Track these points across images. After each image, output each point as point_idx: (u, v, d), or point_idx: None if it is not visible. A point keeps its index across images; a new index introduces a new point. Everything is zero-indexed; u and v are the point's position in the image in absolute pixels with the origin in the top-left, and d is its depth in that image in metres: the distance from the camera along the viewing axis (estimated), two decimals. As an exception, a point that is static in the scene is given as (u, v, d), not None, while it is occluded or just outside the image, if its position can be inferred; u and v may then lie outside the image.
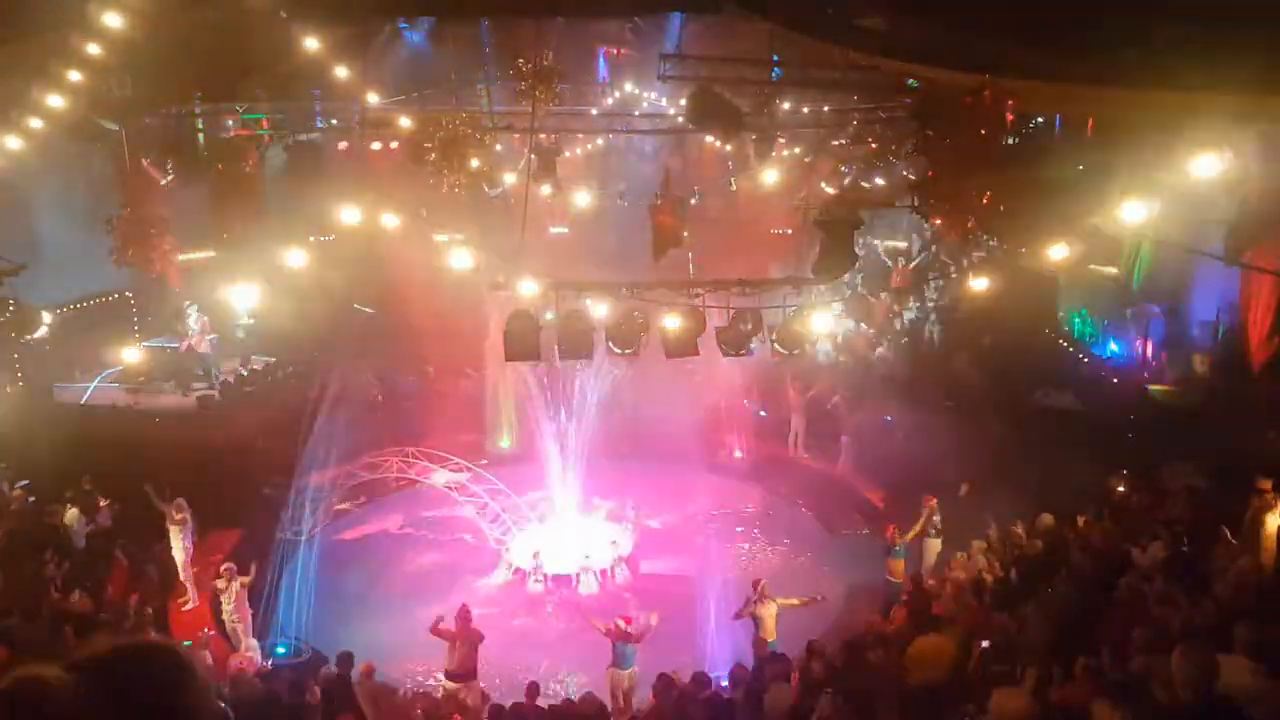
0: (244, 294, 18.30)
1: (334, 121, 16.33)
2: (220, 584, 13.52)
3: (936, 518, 15.16)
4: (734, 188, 24.39)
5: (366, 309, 23.54)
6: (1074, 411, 17.18)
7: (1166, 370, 16.87)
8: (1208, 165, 9.70)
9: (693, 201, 17.29)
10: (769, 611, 13.01)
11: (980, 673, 9.60)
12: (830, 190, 19.71)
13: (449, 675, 12.41)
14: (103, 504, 15.02)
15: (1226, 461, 12.51)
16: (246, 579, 13.57)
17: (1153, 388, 16.63)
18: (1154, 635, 8.14)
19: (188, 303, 17.96)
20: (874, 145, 17.55)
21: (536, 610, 15.95)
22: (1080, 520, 13.06)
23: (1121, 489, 13.70)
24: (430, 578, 16.62)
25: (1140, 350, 17.50)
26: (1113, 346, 18.59)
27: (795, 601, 13.36)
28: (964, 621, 11.24)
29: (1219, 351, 15.69)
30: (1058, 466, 14.68)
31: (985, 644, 10.10)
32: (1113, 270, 17.88)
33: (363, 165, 19.55)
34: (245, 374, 19.23)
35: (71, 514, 14.44)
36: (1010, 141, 10.69)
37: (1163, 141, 10.86)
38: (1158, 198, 10.60)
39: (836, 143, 18.12)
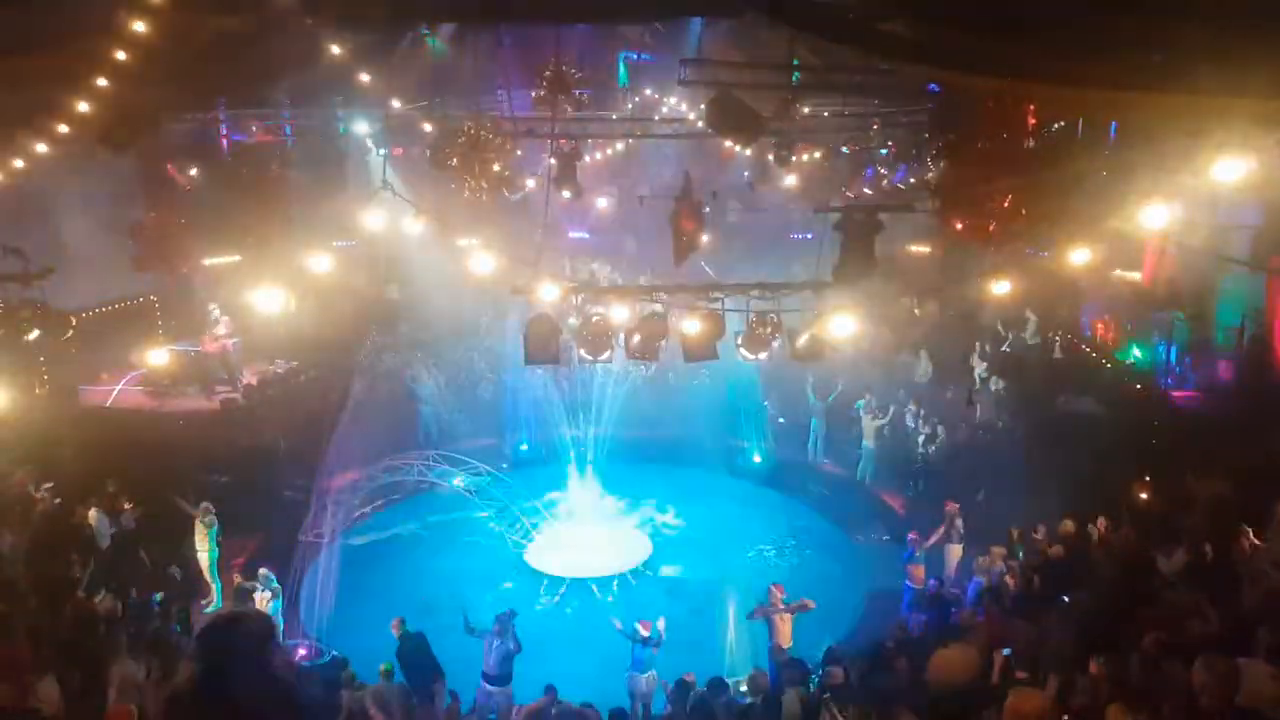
0: (268, 298, 18.44)
1: (361, 128, 16.40)
2: (250, 586, 13.62)
3: (958, 523, 15.12)
4: (754, 192, 24.39)
5: (393, 295, 23.57)
6: (1096, 417, 17.07)
7: (1190, 376, 16.74)
8: (1232, 170, 9.63)
9: (706, 210, 17.26)
10: (784, 617, 12.99)
11: (1002, 680, 9.54)
12: (850, 194, 19.68)
13: (488, 679, 12.44)
14: (127, 506, 15.15)
15: (1251, 468, 12.40)
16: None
17: (1176, 394, 16.51)
18: (1170, 641, 8.10)
19: (211, 305, 18.12)
20: (895, 149, 17.52)
21: (555, 613, 15.97)
22: (1102, 526, 12.98)
23: (1144, 495, 13.60)
24: (449, 581, 16.67)
25: (1164, 356, 17.37)
26: (1136, 352, 18.45)
27: (798, 605, 13.30)
28: (985, 628, 11.18)
29: (1244, 358, 15.56)
30: (1080, 472, 14.59)
31: (1007, 651, 10.05)
32: (1136, 275, 17.78)
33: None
34: (269, 377, 19.37)
35: (96, 515, 14.57)
36: (1031, 145, 10.64)
37: (1186, 145, 10.78)
38: (1181, 202, 10.51)
39: (857, 147, 18.08)
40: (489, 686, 12.37)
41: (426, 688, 11.84)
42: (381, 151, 18.16)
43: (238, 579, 14.06)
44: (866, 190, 19.21)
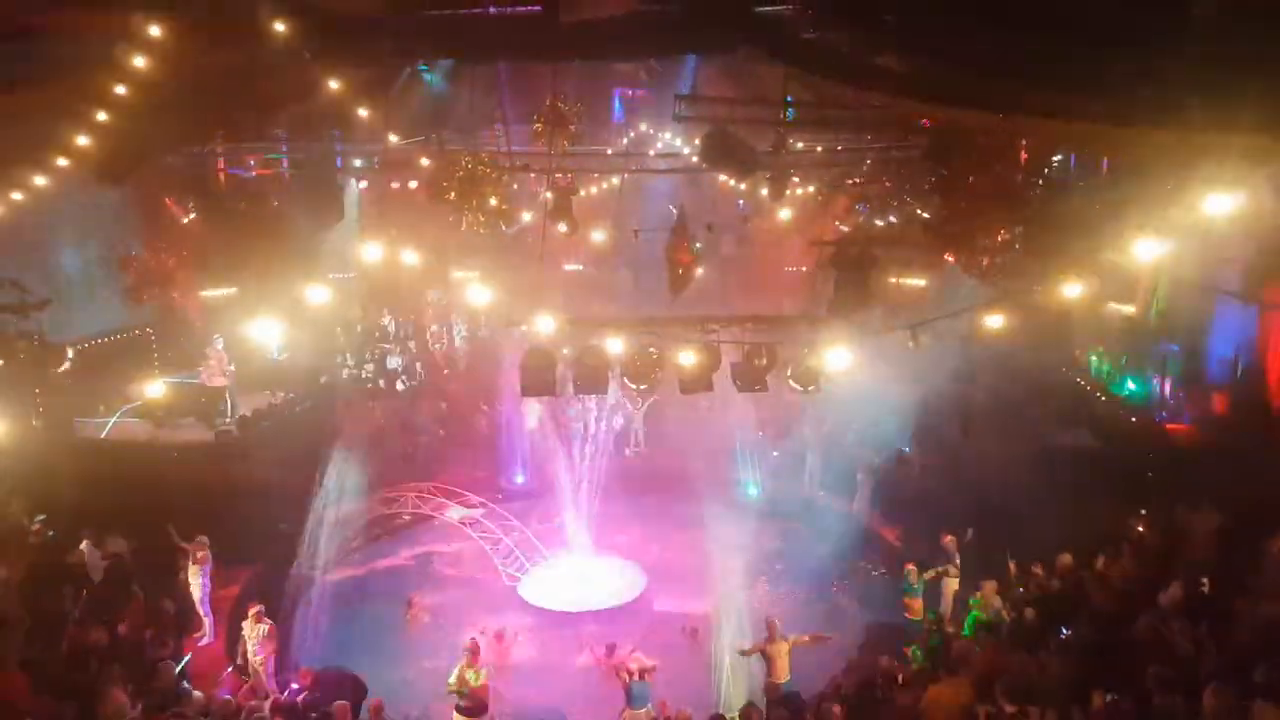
0: (266, 330, 18.57)
1: (356, 162, 16.53)
2: (246, 625, 13.53)
3: (955, 556, 15.08)
4: (749, 225, 24.55)
5: (386, 345, 23.74)
6: (1091, 450, 17.08)
7: (1184, 409, 16.78)
8: (1222, 204, 9.73)
9: (698, 246, 17.33)
10: (780, 651, 12.93)
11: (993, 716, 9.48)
12: (845, 228, 19.81)
13: (460, 711, 12.36)
14: (121, 541, 15.01)
15: (1246, 501, 12.40)
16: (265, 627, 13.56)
17: (1170, 427, 16.53)
18: (1170, 676, 8.07)
19: (216, 336, 18.21)
20: (889, 184, 17.64)
21: (551, 648, 15.87)
22: (1099, 560, 12.94)
23: (1140, 529, 13.58)
24: (444, 613, 16.59)
25: (1158, 389, 17.41)
26: (1130, 385, 18.50)
27: (805, 638, 13.28)
28: (981, 662, 11.13)
29: (1237, 390, 15.60)
30: (1075, 505, 14.57)
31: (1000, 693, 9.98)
32: (1130, 308, 17.85)
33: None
34: (264, 408, 19.36)
35: (88, 548, 14.47)
36: (1023, 180, 10.76)
37: (1177, 180, 10.88)
38: (1173, 236, 10.57)
39: (851, 181, 18.21)
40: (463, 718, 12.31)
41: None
42: (361, 184, 18.26)
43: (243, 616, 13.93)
44: (861, 224, 19.33)
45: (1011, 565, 13.93)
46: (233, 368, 18.32)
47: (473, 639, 12.91)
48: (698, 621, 15.39)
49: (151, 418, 18.04)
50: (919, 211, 17.10)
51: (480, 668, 12.44)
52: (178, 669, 12.07)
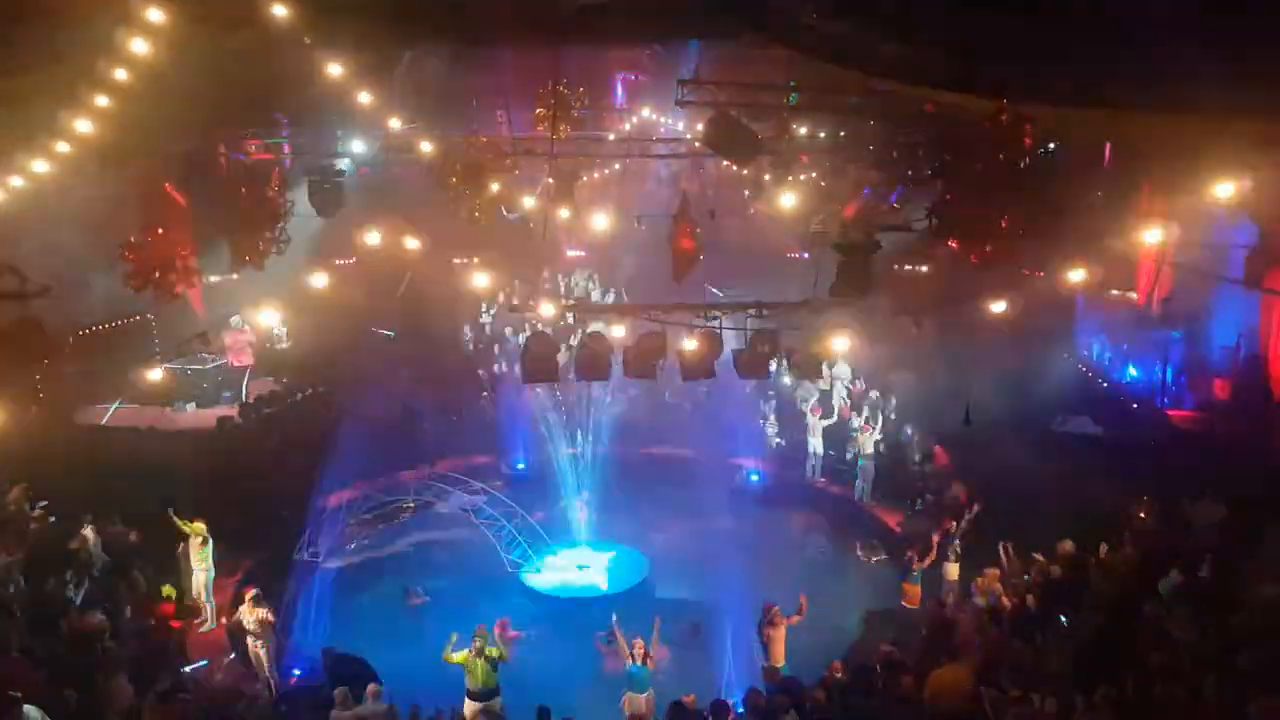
0: (268, 317, 18.61)
1: (357, 148, 16.45)
2: (244, 611, 13.53)
3: (955, 542, 15.07)
4: (752, 211, 24.46)
5: (386, 332, 23.71)
6: (1093, 437, 17.06)
7: (1186, 395, 16.77)
8: (1226, 189, 9.70)
9: (697, 234, 17.20)
10: (779, 636, 12.95)
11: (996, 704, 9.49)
12: (847, 214, 19.73)
13: (470, 695, 12.38)
14: (127, 531, 15.02)
15: (1247, 487, 12.40)
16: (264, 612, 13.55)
17: (1172, 413, 16.52)
18: (1171, 662, 8.08)
19: (234, 316, 18.19)
20: (891, 170, 17.56)
21: (552, 633, 15.90)
22: (1101, 547, 12.95)
23: (1142, 515, 13.58)
24: (445, 600, 16.61)
25: (1160, 375, 17.40)
26: (1132, 371, 18.48)
27: (796, 617, 13.29)
28: (983, 649, 11.15)
29: (1239, 377, 15.59)
30: (1077, 492, 14.56)
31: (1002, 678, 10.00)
32: (1132, 294, 17.82)
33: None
34: (266, 395, 19.36)
35: (91, 535, 14.49)
36: (1027, 165, 10.69)
37: (1182, 165, 10.84)
38: (1177, 221, 10.58)
39: (854, 167, 18.14)
40: (473, 704, 12.31)
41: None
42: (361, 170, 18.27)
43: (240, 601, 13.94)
44: (863, 209, 19.25)
45: (1007, 553, 13.88)
46: (254, 339, 18.40)
47: (480, 626, 12.91)
48: (698, 612, 15.36)
49: (155, 403, 18.09)
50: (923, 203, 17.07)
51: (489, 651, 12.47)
52: (182, 657, 12.13)
